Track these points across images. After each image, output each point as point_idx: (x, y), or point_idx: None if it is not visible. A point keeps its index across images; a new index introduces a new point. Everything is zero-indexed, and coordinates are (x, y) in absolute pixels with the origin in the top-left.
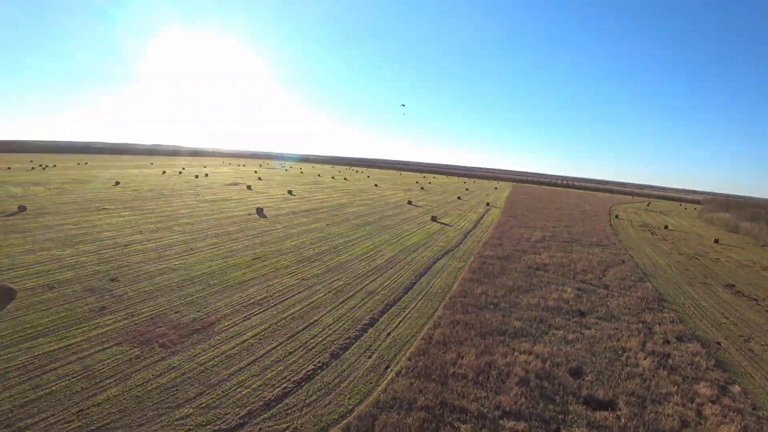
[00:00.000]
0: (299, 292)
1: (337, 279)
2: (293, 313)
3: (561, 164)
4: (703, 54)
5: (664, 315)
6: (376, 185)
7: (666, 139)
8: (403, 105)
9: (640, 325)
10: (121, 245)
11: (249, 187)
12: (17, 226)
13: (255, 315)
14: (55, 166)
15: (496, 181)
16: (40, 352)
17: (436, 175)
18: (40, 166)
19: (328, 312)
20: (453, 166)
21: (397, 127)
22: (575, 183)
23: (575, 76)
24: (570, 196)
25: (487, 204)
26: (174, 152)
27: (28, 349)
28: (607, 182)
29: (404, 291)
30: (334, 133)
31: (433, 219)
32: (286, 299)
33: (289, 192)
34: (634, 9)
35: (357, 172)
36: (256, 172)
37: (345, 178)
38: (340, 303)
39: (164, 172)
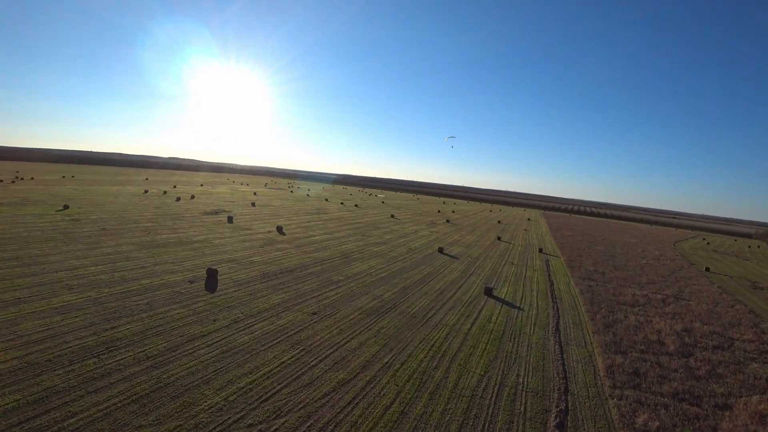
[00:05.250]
0: None
1: None
2: None
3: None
4: None
5: None
6: (392, 216)
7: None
8: (452, 137)
9: None
10: None
11: (230, 219)
12: None
13: None
14: (32, 178)
15: (522, 209)
16: None
17: (456, 201)
18: (20, 178)
19: None
20: (473, 189)
21: (438, 152)
22: (608, 211)
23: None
24: (615, 231)
25: (540, 251)
26: (195, 167)
27: None
28: (633, 208)
29: None
30: (347, 150)
31: (488, 292)
32: None
33: (278, 229)
34: None
35: (370, 195)
36: (255, 194)
37: (356, 205)
38: None
39: (146, 191)
